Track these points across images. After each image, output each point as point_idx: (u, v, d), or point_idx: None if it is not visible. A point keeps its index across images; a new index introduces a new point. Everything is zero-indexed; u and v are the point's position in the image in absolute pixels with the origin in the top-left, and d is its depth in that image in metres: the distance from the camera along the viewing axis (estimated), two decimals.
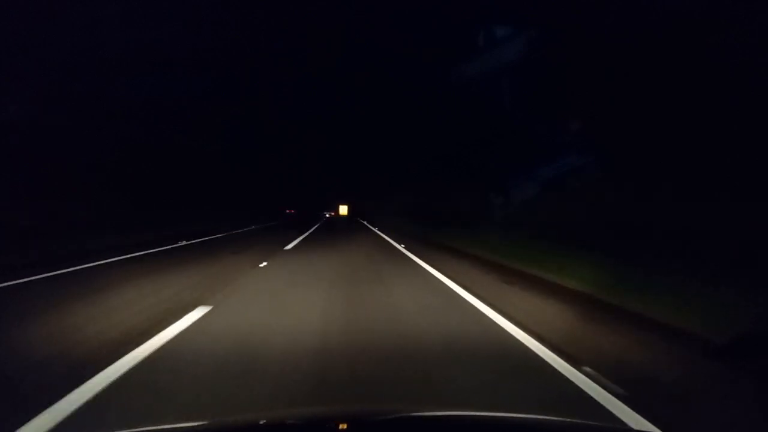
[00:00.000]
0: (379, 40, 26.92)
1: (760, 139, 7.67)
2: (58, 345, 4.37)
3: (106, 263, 10.43)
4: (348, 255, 13.76)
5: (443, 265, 10.59)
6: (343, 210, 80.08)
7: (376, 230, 28.68)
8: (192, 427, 1.76)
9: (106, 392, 3.24)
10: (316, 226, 33.82)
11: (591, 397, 3.27)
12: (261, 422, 1.89)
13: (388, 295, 7.08)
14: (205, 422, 1.85)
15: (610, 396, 3.26)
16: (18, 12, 16.95)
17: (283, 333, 4.81)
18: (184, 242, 16.44)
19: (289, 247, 15.93)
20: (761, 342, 4.28)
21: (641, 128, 10.53)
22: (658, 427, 2.84)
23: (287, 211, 72.03)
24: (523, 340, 4.65)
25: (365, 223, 44.16)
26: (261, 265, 10.51)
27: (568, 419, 2.28)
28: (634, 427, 2.82)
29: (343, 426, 1.71)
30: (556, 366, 3.89)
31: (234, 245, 16.38)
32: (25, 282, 7.94)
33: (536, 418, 2.10)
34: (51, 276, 8.49)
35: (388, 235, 22.44)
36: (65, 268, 9.32)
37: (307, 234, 23.99)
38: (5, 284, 7.59)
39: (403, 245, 16.38)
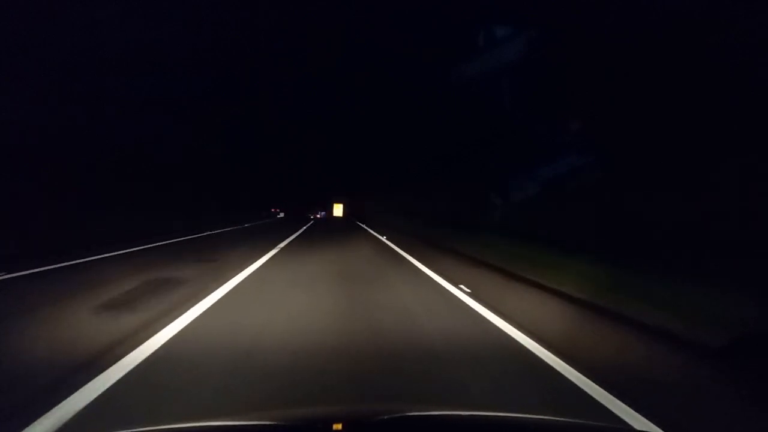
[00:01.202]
0: (379, 40, 26.93)
1: (760, 139, 7.67)
2: None
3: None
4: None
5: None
6: (338, 210, 69.93)
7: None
8: (192, 427, 1.76)
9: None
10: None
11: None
12: (261, 422, 1.89)
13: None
14: (204, 422, 1.84)
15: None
16: (18, 12, 16.95)
17: None
18: None
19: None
20: (753, 345, 4.30)
21: (641, 128, 10.53)
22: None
23: (273, 210, 70.65)
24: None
25: (369, 228, 29.93)
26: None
27: (568, 419, 2.27)
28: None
29: (342, 426, 1.71)
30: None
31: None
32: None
33: (536, 418, 2.10)
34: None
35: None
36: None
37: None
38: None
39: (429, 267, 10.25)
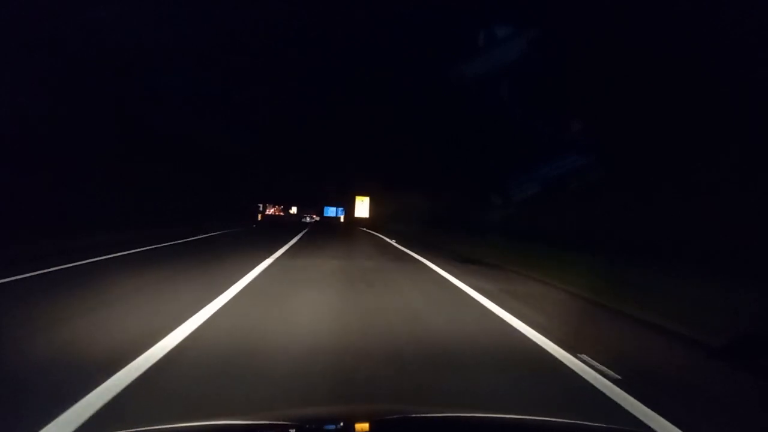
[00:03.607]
0: (379, 40, 26.93)
1: (760, 139, 7.68)
2: None
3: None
4: None
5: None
6: (362, 209, 48.15)
7: None
8: (192, 427, 1.76)
9: None
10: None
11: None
12: (261, 422, 1.89)
13: None
14: (205, 423, 1.84)
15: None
16: (18, 11, 16.96)
17: None
18: None
19: None
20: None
21: (641, 128, 10.53)
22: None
23: (269, 211, 53.72)
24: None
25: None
26: None
27: (569, 420, 2.28)
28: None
29: (342, 426, 1.71)
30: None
31: None
32: None
33: (536, 419, 2.10)
34: None
35: None
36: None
37: None
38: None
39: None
